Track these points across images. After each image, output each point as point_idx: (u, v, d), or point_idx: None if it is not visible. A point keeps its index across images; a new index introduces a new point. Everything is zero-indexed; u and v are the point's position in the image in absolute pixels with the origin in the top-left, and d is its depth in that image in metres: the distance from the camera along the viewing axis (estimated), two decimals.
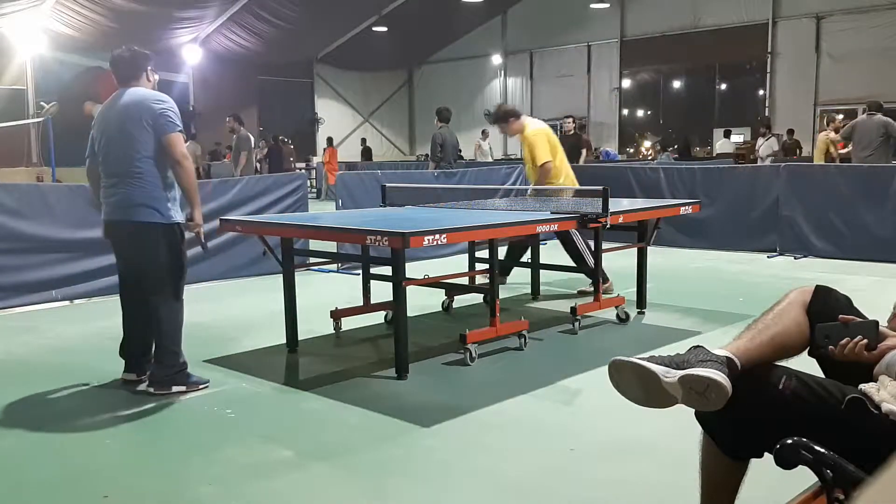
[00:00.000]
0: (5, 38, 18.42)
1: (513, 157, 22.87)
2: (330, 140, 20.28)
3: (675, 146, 19.11)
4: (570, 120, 12.56)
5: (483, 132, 22.47)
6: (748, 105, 20.34)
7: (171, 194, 3.94)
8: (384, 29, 23.80)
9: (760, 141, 15.47)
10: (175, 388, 3.93)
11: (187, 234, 4.06)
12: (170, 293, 3.95)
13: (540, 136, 6.46)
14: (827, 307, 1.98)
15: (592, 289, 5.67)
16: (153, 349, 4.04)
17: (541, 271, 6.41)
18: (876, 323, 1.91)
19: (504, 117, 6.59)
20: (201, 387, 4.01)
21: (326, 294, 6.19)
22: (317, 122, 26.23)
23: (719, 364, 1.81)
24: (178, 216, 3.98)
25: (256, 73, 23.95)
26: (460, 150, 23.11)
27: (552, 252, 6.83)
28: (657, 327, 5.39)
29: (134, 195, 3.85)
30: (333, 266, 7.66)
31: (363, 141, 26.38)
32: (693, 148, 19.38)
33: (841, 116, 13.01)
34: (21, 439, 3.44)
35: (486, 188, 8.10)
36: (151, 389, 3.94)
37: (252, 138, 11.98)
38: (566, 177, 6.62)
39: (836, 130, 11.53)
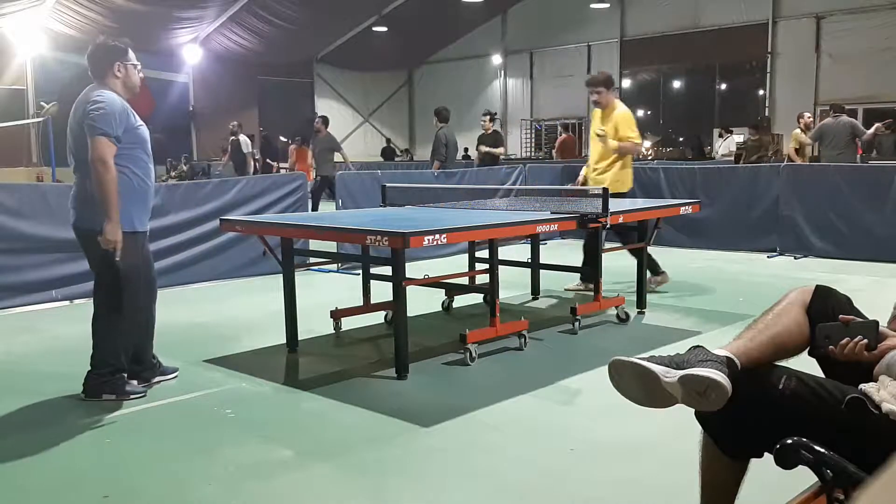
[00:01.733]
0: (5, 38, 18.43)
1: (513, 156, 22.90)
2: (301, 139, 15.99)
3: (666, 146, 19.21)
4: (488, 118, 11.27)
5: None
6: (748, 105, 20.32)
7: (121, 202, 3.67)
8: (384, 29, 23.80)
9: (719, 141, 15.43)
10: (105, 397, 3.81)
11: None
12: (109, 304, 3.79)
13: (632, 118, 6.48)
14: (827, 307, 1.98)
15: (590, 289, 5.74)
16: (146, 353, 3.94)
17: (541, 271, 6.41)
18: (876, 323, 1.91)
19: (606, 83, 6.46)
20: (133, 397, 3.86)
21: (326, 294, 6.19)
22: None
23: (719, 364, 1.81)
24: (129, 226, 3.73)
25: (256, 73, 23.95)
26: (466, 150, 23.18)
27: (552, 252, 6.85)
28: (657, 327, 5.39)
29: (81, 198, 3.74)
30: (333, 266, 7.66)
31: (388, 140, 26.34)
32: (705, 147, 19.37)
33: (808, 114, 13.22)
34: (21, 439, 3.44)
35: (486, 188, 8.10)
36: (82, 395, 3.83)
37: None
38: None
39: (806, 127, 11.86)
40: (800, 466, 1.65)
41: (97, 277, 3.89)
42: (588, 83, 6.56)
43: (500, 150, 11.26)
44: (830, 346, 1.90)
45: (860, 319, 1.92)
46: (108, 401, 3.82)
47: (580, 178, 6.80)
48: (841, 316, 1.92)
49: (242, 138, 14.81)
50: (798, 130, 12.29)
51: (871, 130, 10.20)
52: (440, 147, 10.17)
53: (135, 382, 3.96)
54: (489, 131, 11.27)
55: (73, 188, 3.89)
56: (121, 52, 3.84)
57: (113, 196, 3.59)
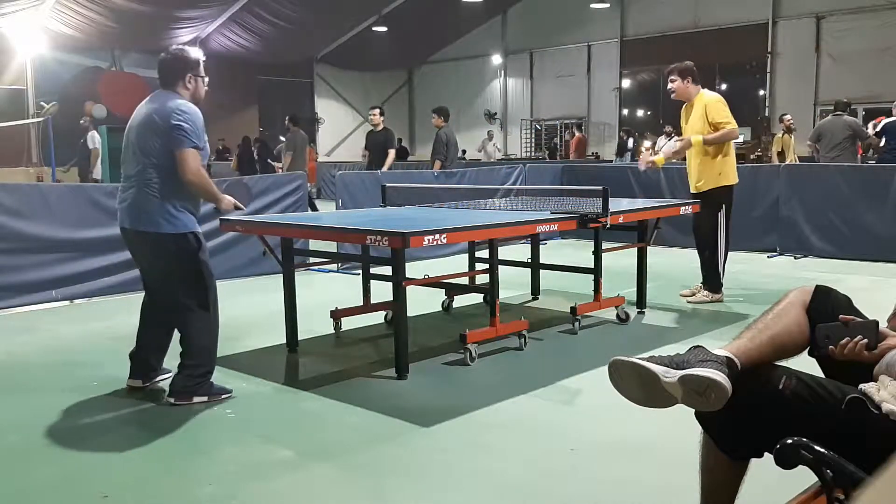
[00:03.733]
0: (5, 38, 18.42)
1: (513, 156, 22.91)
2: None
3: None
4: (377, 112, 9.97)
5: (489, 133, 22.55)
6: (748, 105, 20.33)
7: (182, 204, 3.74)
8: (384, 29, 23.80)
9: (663, 140, 15.02)
10: (197, 399, 3.77)
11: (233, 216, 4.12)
12: (194, 305, 3.78)
13: (723, 102, 6.07)
14: (827, 307, 1.98)
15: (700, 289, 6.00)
16: (179, 359, 3.85)
17: (541, 271, 6.41)
18: (876, 323, 1.91)
19: (683, 72, 6.07)
20: (224, 396, 3.85)
21: (326, 294, 6.19)
22: (317, 122, 26.23)
23: (719, 364, 1.81)
24: (192, 225, 3.79)
25: (256, 73, 23.95)
26: (464, 151, 23.11)
27: (552, 252, 6.85)
28: (657, 327, 5.39)
29: (141, 203, 3.70)
30: (333, 266, 7.66)
31: (399, 141, 26.27)
32: None
33: (788, 116, 13.09)
34: (21, 439, 3.44)
35: (486, 188, 8.10)
36: (172, 400, 3.77)
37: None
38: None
39: (788, 129, 11.74)
40: (800, 466, 1.65)
41: (168, 279, 3.83)
42: (671, 74, 6.16)
43: (391, 154, 9.74)
44: (830, 347, 1.90)
45: (860, 319, 1.92)
46: (199, 403, 3.76)
47: (648, 159, 6.31)
48: (841, 316, 1.92)
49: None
50: (782, 134, 12.26)
51: (871, 133, 9.99)
52: (441, 147, 10.06)
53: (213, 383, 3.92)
54: (379, 128, 9.98)
55: (125, 200, 3.78)
56: (194, 63, 3.84)
57: (215, 189, 3.83)
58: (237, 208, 4.01)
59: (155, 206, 3.70)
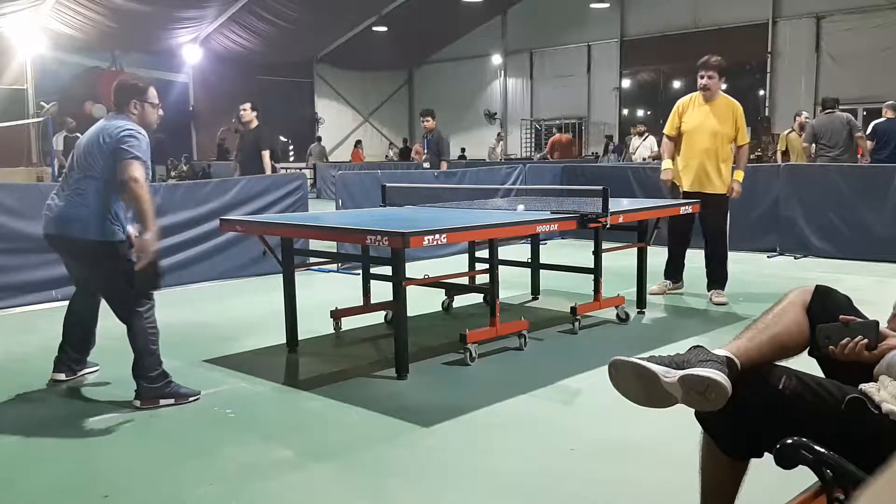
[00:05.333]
0: (5, 38, 18.42)
1: (513, 156, 22.91)
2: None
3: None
4: (248, 107, 8.29)
5: (498, 135, 22.60)
6: (748, 105, 20.21)
7: (112, 215, 3.78)
8: (384, 29, 23.82)
9: (637, 141, 14.76)
10: (163, 402, 3.82)
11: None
12: (126, 308, 3.83)
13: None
14: (827, 307, 1.98)
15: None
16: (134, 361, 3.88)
17: (541, 271, 6.41)
18: (876, 323, 1.91)
19: (720, 69, 6.00)
20: (191, 399, 3.88)
21: (326, 294, 6.19)
22: (317, 122, 26.25)
23: (719, 364, 1.81)
24: (120, 234, 3.81)
25: (256, 73, 23.94)
26: (463, 149, 23.07)
27: (552, 252, 6.85)
28: (657, 327, 5.39)
29: (71, 211, 3.78)
30: (333, 266, 7.66)
31: (404, 141, 26.31)
32: None
33: (806, 113, 12.47)
34: (21, 439, 3.44)
35: (486, 188, 8.10)
36: (137, 403, 3.82)
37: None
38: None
39: (801, 127, 11.15)
40: (800, 466, 1.65)
41: (105, 289, 3.92)
42: (702, 65, 5.98)
43: (265, 156, 8.20)
44: (830, 347, 1.90)
45: (860, 320, 1.92)
46: (166, 406, 3.80)
47: (668, 177, 6.18)
48: (841, 316, 1.92)
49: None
50: (789, 132, 11.83)
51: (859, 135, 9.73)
52: (446, 147, 10.04)
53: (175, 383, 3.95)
54: (252, 125, 8.34)
55: (54, 208, 3.86)
56: (139, 91, 3.97)
57: (151, 209, 3.75)
58: (149, 253, 3.73)
59: (84, 214, 3.77)
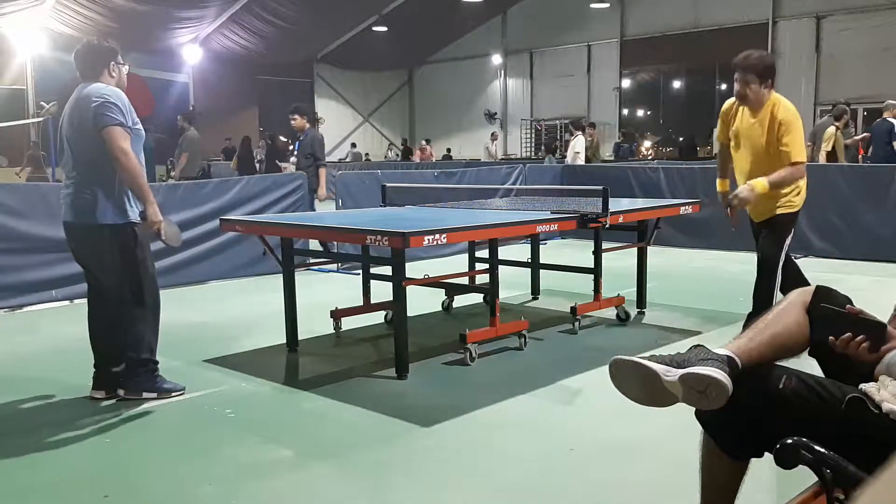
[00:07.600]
0: (5, 38, 18.43)
1: (513, 156, 22.92)
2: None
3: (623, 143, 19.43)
4: (297, 116, 8.33)
5: (493, 135, 22.61)
6: None
7: (123, 193, 3.71)
8: (384, 29, 23.82)
9: (580, 140, 14.59)
10: (146, 395, 3.80)
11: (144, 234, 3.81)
12: (130, 295, 3.77)
13: (799, 123, 4.42)
14: (827, 307, 1.98)
15: None
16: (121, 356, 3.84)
17: (541, 271, 6.41)
18: (884, 326, 1.89)
19: (761, 70, 4.36)
20: (175, 394, 3.86)
21: (326, 294, 6.19)
22: (317, 123, 26.22)
23: (720, 363, 1.81)
24: (133, 216, 3.75)
25: (256, 73, 23.97)
26: (449, 149, 22.96)
27: (552, 252, 6.85)
28: (657, 327, 5.39)
29: (81, 195, 3.70)
30: (333, 266, 7.66)
31: (404, 141, 26.25)
32: (697, 146, 19.50)
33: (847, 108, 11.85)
34: (22, 439, 3.44)
35: (486, 188, 8.10)
36: (121, 392, 3.81)
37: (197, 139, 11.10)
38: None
39: (846, 125, 10.39)
40: (800, 466, 1.65)
41: (106, 274, 3.81)
42: (737, 64, 4.43)
43: (323, 172, 8.04)
44: (831, 337, 1.89)
45: (869, 318, 1.90)
46: (148, 399, 3.79)
47: (725, 203, 4.81)
48: (848, 306, 1.92)
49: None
50: (833, 129, 10.70)
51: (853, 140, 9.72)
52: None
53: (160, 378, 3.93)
54: (304, 130, 8.32)
55: (67, 196, 3.80)
56: (114, 53, 3.89)
57: (144, 181, 3.69)
58: (159, 232, 3.77)
59: (89, 200, 3.70)
